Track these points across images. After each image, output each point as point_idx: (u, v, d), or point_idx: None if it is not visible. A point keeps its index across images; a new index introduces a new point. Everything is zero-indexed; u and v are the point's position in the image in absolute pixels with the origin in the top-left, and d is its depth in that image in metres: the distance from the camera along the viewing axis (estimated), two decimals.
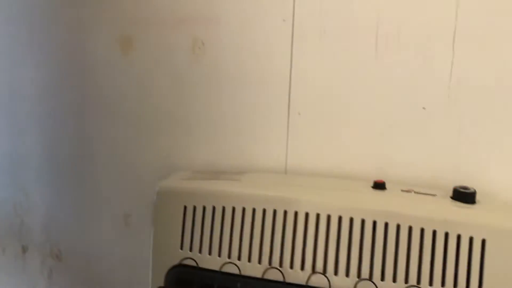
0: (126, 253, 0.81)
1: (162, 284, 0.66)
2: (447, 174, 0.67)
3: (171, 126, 0.77)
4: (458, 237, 0.58)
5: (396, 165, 0.69)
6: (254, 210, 0.63)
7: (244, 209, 0.63)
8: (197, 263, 0.64)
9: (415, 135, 0.68)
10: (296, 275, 0.61)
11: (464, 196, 0.62)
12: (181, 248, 0.66)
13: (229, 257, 0.64)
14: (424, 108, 0.67)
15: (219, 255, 0.64)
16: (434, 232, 0.58)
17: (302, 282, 0.61)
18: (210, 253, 0.64)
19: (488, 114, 0.65)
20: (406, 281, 0.59)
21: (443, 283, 0.58)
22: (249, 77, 0.72)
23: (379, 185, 0.65)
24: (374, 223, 0.60)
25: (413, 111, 0.67)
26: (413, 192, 0.64)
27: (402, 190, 0.65)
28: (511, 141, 0.65)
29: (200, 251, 0.65)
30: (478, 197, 0.62)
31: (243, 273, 0.63)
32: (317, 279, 0.61)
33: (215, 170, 0.74)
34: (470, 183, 0.64)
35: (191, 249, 0.65)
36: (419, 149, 0.68)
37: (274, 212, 0.63)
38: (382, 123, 0.69)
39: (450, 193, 0.63)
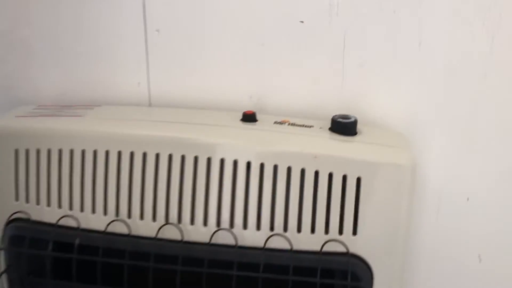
0: None
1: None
2: (330, 101, 0.57)
3: (11, 51, 0.63)
4: (330, 175, 0.49)
5: (271, 92, 0.58)
6: (95, 152, 0.52)
7: (83, 152, 0.52)
8: (30, 217, 0.54)
9: (292, 54, 0.56)
10: (146, 227, 0.52)
11: (342, 126, 0.52)
12: (16, 200, 0.55)
13: (70, 208, 0.53)
14: (302, 21, 0.55)
15: (59, 207, 0.54)
16: (303, 171, 0.49)
17: (152, 234, 0.51)
18: (48, 205, 0.54)
19: (367, 30, 0.54)
20: (272, 228, 0.50)
21: (313, 229, 0.50)
22: None
23: (248, 117, 0.55)
24: (235, 162, 0.50)
25: (289, 25, 0.55)
26: (287, 124, 0.54)
27: (275, 122, 0.55)
28: (399, 60, 0.55)
29: (38, 203, 0.54)
30: (360, 127, 0.53)
31: (85, 226, 0.53)
32: (169, 230, 0.51)
33: (66, 104, 0.61)
34: (354, 111, 0.55)
35: (27, 201, 0.55)
36: (297, 72, 0.57)
37: (119, 154, 0.52)
38: (254, 41, 0.57)
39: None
